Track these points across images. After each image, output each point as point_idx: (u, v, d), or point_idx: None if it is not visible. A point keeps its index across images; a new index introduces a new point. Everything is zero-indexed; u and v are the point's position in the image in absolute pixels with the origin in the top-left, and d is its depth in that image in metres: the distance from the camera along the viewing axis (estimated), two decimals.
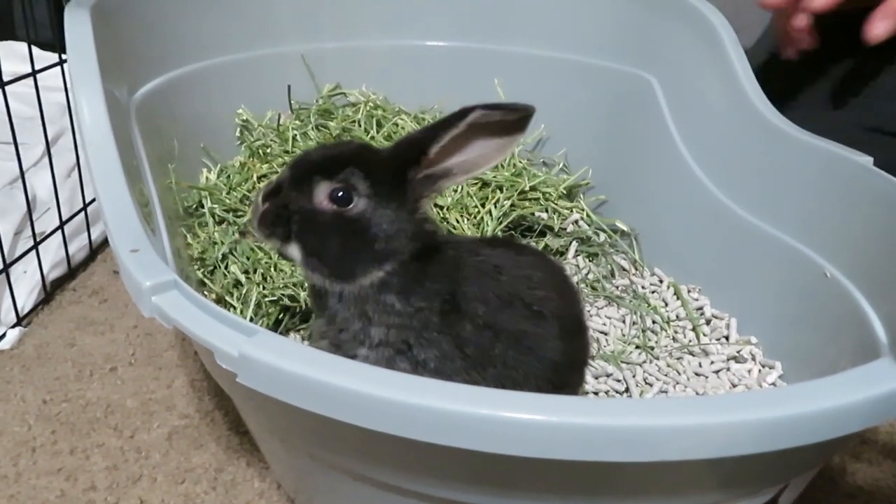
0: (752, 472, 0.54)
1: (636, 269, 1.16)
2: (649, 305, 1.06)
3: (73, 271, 1.16)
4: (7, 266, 1.02)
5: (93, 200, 1.19)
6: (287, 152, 1.14)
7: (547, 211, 1.17)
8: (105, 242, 1.25)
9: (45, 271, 1.08)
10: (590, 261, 1.15)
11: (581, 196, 1.25)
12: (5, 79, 0.99)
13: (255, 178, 1.10)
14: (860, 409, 0.48)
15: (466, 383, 0.58)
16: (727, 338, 1.01)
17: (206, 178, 1.14)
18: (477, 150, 0.65)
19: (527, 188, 1.15)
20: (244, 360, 0.50)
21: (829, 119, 1.06)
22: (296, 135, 1.17)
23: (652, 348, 0.99)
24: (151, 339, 1.02)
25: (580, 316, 0.80)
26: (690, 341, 1.01)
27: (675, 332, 1.03)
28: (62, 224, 1.11)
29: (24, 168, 1.06)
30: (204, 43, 1.15)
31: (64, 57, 1.08)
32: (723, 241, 1.04)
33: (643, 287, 1.11)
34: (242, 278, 0.99)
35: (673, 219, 1.12)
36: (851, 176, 0.85)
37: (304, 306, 0.97)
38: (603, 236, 1.18)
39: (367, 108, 1.25)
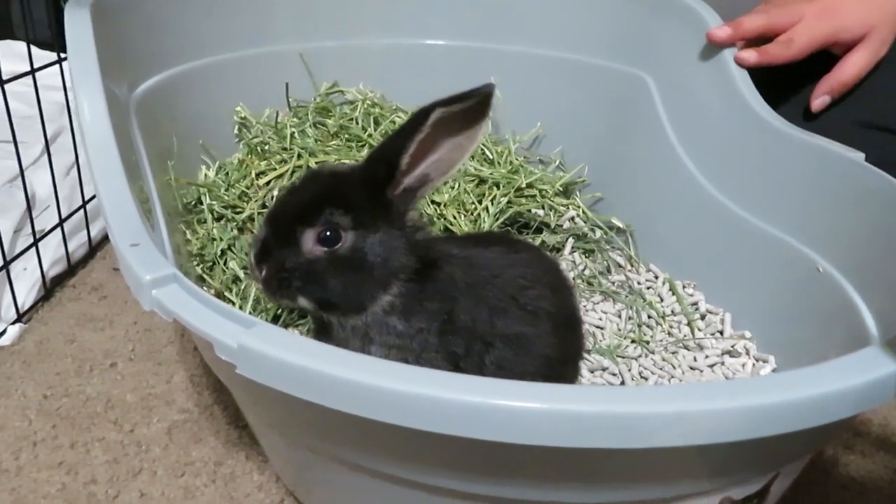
0: (742, 460, 0.55)
1: (632, 265, 1.17)
2: (645, 301, 1.07)
3: (73, 268, 1.17)
4: (7, 263, 1.03)
5: (92, 198, 1.20)
6: (285, 149, 1.15)
7: (543, 208, 1.17)
8: (104, 240, 1.26)
9: (44, 268, 1.09)
10: (586, 257, 1.15)
11: (577, 193, 1.25)
12: (4, 77, 0.99)
13: (253, 175, 1.11)
14: (848, 395, 0.48)
15: None
16: (721, 332, 1.02)
17: (205, 174, 1.15)
18: (447, 146, 0.64)
19: (523, 185, 1.16)
20: (243, 351, 0.51)
21: (822, 116, 1.07)
22: (293, 132, 1.18)
23: (647, 343, 1.00)
24: (151, 335, 1.02)
25: (574, 311, 0.81)
26: (685, 336, 1.02)
27: (671, 326, 1.04)
28: (62, 221, 1.12)
29: (24, 166, 1.07)
30: (203, 41, 1.16)
31: (62, 56, 1.09)
32: (717, 237, 1.05)
33: (639, 283, 1.12)
34: (241, 274, 0.99)
35: (668, 215, 1.13)
36: (844, 172, 0.86)
37: None
38: (599, 233, 1.18)
39: (365, 106, 1.26)
